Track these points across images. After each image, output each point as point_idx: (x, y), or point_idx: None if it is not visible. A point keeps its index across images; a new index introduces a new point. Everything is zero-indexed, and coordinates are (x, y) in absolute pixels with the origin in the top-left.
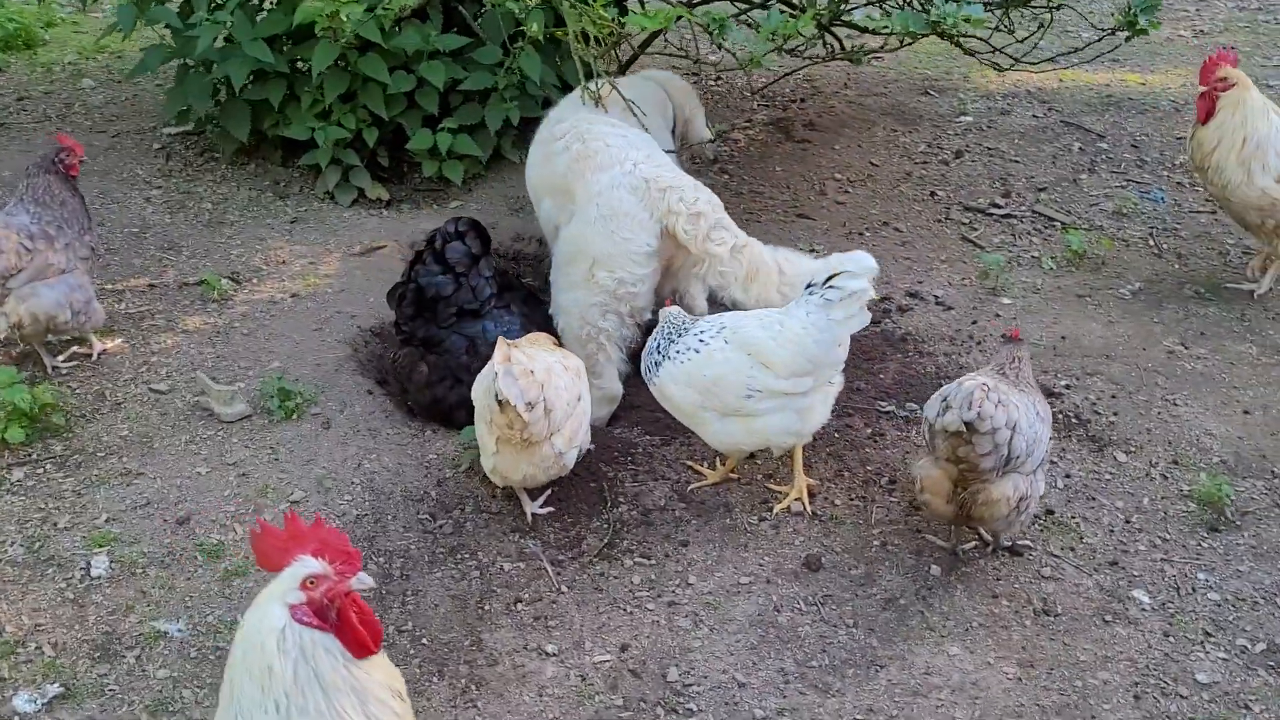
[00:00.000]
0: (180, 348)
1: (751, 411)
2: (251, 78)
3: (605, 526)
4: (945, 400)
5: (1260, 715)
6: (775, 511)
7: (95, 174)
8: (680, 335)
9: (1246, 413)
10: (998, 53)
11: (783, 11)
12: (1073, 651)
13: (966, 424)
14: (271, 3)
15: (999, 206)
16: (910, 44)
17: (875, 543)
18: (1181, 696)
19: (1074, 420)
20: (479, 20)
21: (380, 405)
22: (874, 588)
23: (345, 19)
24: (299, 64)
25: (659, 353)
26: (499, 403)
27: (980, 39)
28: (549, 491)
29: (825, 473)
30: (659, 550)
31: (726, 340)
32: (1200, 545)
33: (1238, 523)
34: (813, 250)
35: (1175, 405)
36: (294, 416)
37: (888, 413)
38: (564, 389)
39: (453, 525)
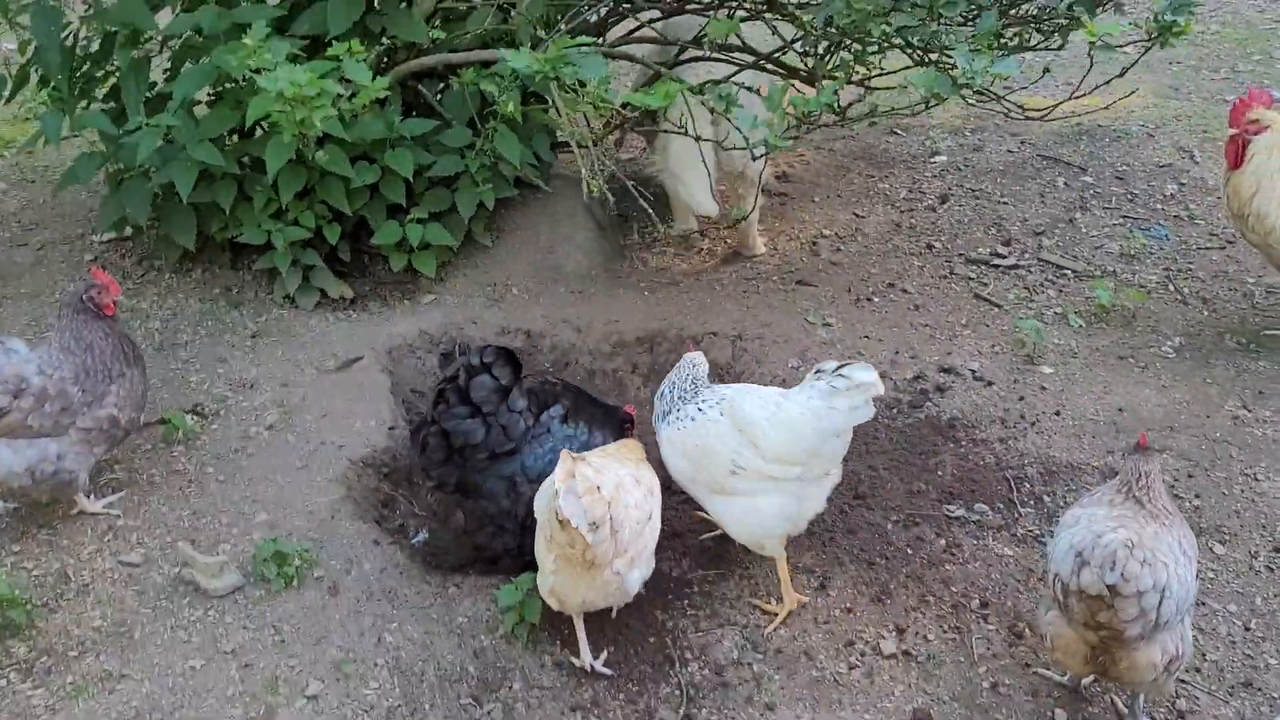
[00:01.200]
0: (149, 506)
1: (734, 490)
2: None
3: (678, 694)
4: (1080, 555)
5: None
6: (766, 633)
7: (24, 297)
8: (686, 401)
9: None
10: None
11: (776, 72)
12: None
13: (1109, 587)
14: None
15: (1002, 256)
16: (935, 105)
17: (984, 685)
18: None
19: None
20: (440, 99)
21: (390, 558)
22: None
23: (317, 123)
24: (245, 161)
25: (664, 409)
26: (559, 521)
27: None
28: (605, 654)
29: (908, 600)
30: (743, 719)
31: (721, 413)
32: None
33: None
34: (825, 324)
35: (1257, 480)
36: (294, 583)
37: (958, 518)
38: (634, 506)
39: (502, 710)
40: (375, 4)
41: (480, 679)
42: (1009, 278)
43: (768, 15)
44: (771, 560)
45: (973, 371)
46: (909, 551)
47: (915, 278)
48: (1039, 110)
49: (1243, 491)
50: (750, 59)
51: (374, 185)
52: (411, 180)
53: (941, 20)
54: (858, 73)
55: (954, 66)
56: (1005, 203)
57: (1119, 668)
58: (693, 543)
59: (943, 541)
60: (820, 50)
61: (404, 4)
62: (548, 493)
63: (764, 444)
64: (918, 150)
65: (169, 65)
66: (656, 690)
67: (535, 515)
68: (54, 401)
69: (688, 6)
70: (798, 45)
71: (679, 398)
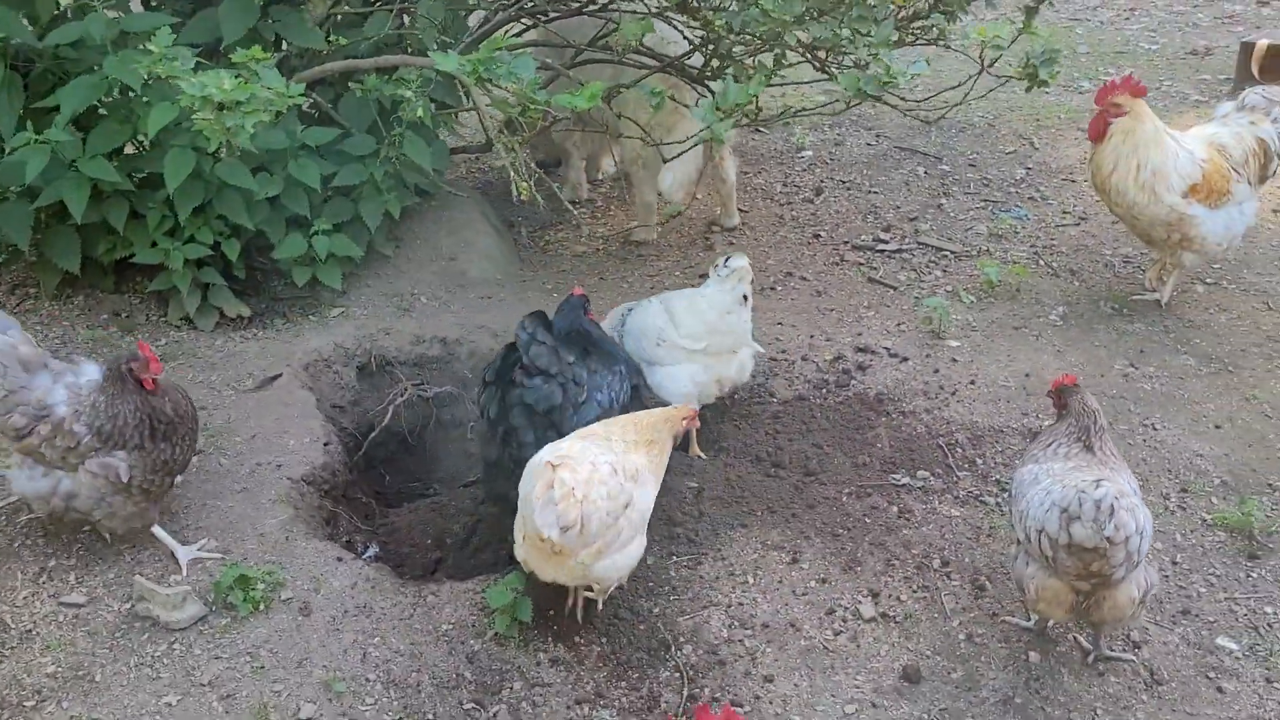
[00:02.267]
0: (82, 543)
1: (660, 360)
2: None
3: (678, 676)
4: (1067, 511)
5: None
6: None
7: None
8: (638, 306)
9: (1218, 427)
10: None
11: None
12: None
13: (1107, 539)
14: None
15: (885, 242)
16: (857, 105)
17: (960, 637)
18: None
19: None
20: (335, 107)
21: (359, 573)
22: (983, 690)
23: (248, 129)
24: (134, 177)
25: (625, 311)
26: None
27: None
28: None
29: (876, 566)
30: (746, 693)
31: (659, 303)
32: (1250, 576)
33: (1270, 545)
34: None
35: (1155, 429)
36: (262, 607)
37: (904, 486)
38: (605, 499)
39: (508, 710)
40: (267, 10)
41: (478, 683)
42: (895, 261)
43: (678, 19)
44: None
45: (887, 349)
46: (867, 521)
47: (810, 266)
48: (937, 109)
49: (1145, 441)
50: (654, 62)
51: (272, 197)
52: (315, 191)
53: (853, 30)
54: (777, 75)
55: (864, 68)
56: (876, 192)
57: (1103, 609)
58: (662, 531)
59: (895, 509)
60: (730, 54)
61: (297, 9)
62: (526, 485)
63: (679, 321)
64: (783, 147)
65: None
66: (656, 675)
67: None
68: (65, 438)
69: (587, 8)
70: (704, 49)
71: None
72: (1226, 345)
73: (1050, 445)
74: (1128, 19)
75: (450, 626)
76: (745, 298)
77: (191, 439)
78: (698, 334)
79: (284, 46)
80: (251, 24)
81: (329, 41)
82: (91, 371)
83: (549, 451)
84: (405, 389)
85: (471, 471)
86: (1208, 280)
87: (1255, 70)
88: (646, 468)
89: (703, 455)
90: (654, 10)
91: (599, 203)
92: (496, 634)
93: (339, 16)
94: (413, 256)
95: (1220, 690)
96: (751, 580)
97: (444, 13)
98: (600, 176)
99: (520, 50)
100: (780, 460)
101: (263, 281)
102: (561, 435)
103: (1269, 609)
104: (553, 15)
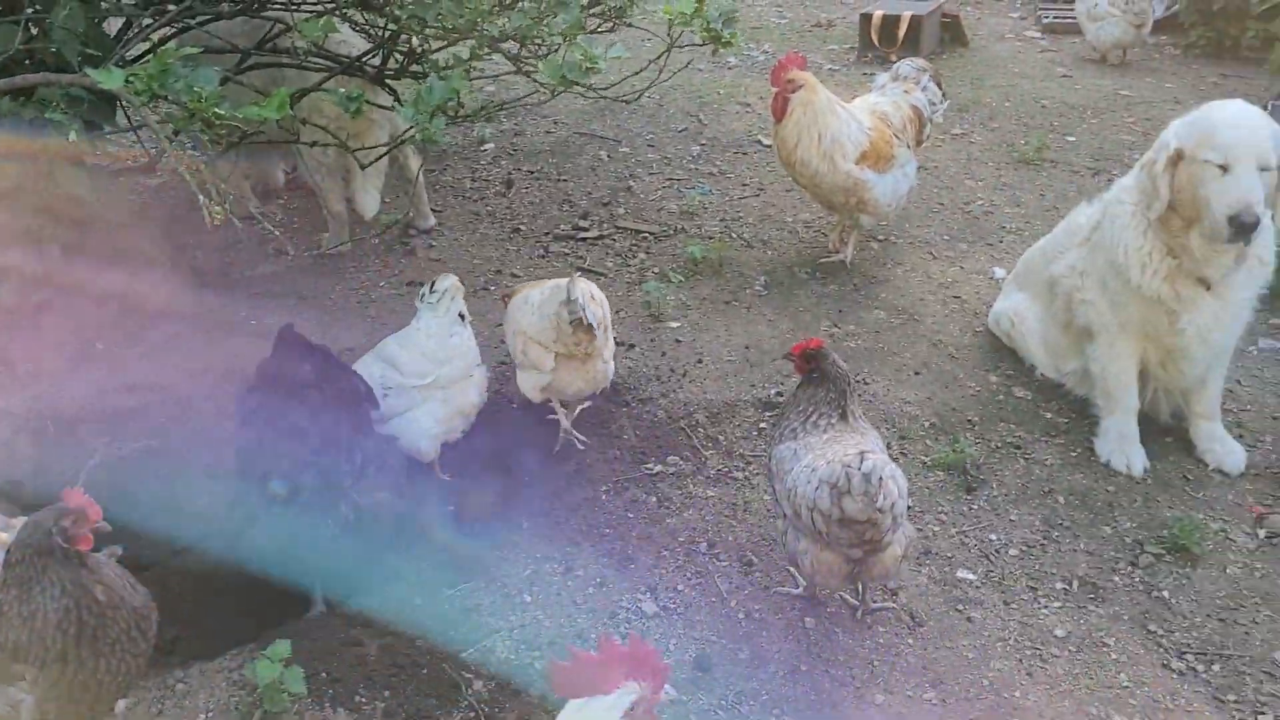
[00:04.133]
0: None
1: (395, 410)
2: None
3: (473, 715)
4: (836, 487)
5: (1116, 649)
6: None
7: None
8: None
9: (917, 373)
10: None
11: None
12: (962, 653)
13: (878, 510)
14: None
15: (585, 229)
16: (561, 93)
17: (739, 616)
18: (1056, 656)
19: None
20: None
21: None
22: (771, 665)
23: None
24: None
25: None
26: (573, 324)
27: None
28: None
29: (648, 560)
30: (548, 717)
31: (372, 356)
32: (971, 509)
33: (982, 476)
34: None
35: (867, 384)
36: None
37: (658, 474)
38: (606, 312)
39: None
40: None
41: None
42: (599, 248)
43: (361, 15)
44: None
45: (614, 338)
46: (630, 515)
47: (516, 261)
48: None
49: (860, 395)
50: (332, 65)
51: None
52: None
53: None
54: (472, 69)
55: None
56: (565, 180)
57: (873, 571)
58: (428, 560)
59: (654, 499)
60: (423, 50)
61: None
62: (552, 306)
63: (400, 363)
64: (464, 141)
65: None
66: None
67: (526, 332)
68: None
69: (253, 9)
70: (385, 47)
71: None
72: (908, 296)
73: (809, 416)
74: None
75: (210, 715)
76: (462, 316)
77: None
78: (424, 370)
79: None
80: None
81: None
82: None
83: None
84: (96, 451)
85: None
86: (879, 238)
87: (875, 38)
88: None
89: (446, 477)
90: (329, 8)
91: (279, 216)
92: (266, 713)
93: None
94: None
95: (970, 620)
96: (529, 598)
97: (85, 22)
98: (273, 188)
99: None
100: (533, 469)
101: None
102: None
103: (993, 536)
104: (208, 17)
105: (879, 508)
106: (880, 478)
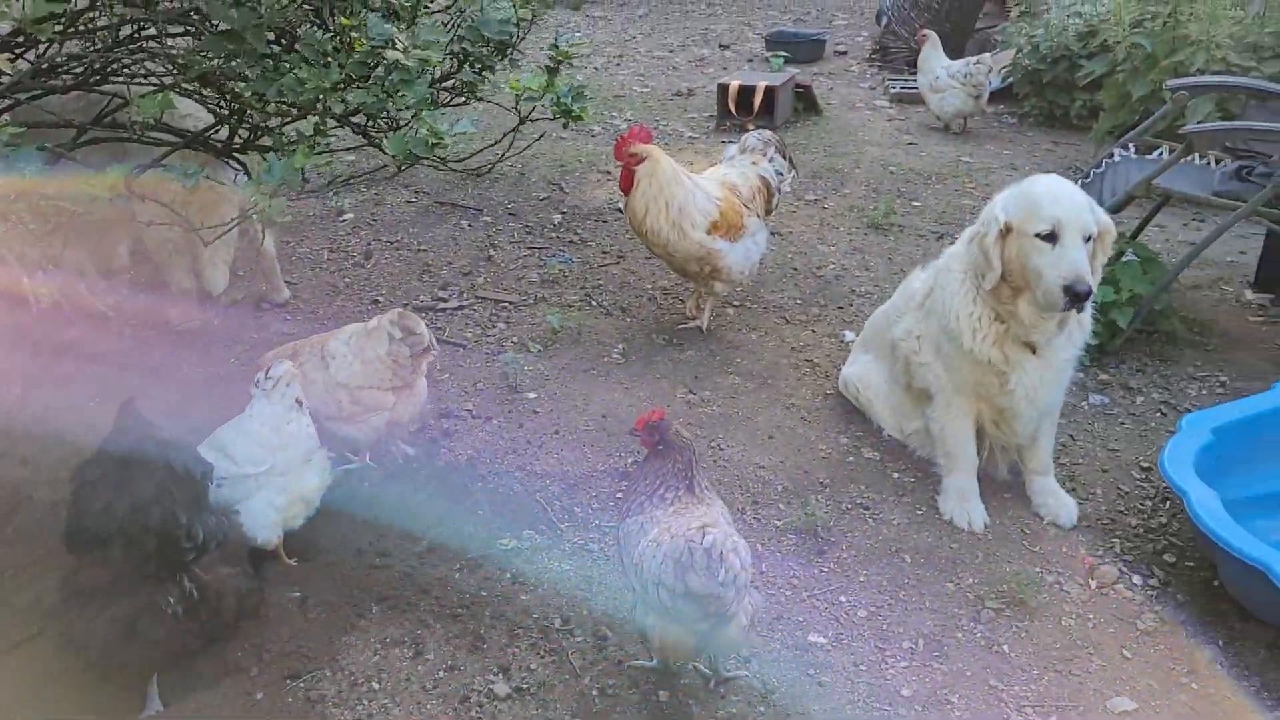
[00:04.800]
0: None
1: (231, 500)
2: None
3: None
4: (680, 562)
5: (960, 706)
6: None
7: None
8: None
9: (771, 437)
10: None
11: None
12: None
13: (720, 584)
14: None
15: (445, 300)
16: (408, 167)
17: (593, 692)
18: (903, 717)
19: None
20: None
21: None
22: None
23: None
24: None
25: None
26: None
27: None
28: None
29: (501, 640)
30: None
31: (207, 445)
32: (822, 572)
33: (832, 538)
34: None
35: (721, 449)
36: None
37: (513, 549)
38: None
39: None
40: None
41: None
42: (459, 318)
43: (201, 91)
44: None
45: (470, 411)
46: (483, 594)
47: None
48: (485, 163)
49: (715, 461)
50: (175, 139)
51: None
52: None
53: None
54: (318, 144)
55: (406, 129)
56: (425, 250)
57: (720, 643)
58: (271, 650)
59: (508, 575)
60: (266, 125)
61: None
62: (372, 350)
63: (234, 451)
64: (323, 210)
65: None
66: None
67: (349, 384)
68: None
69: (92, 83)
70: (230, 120)
71: None
72: (763, 360)
73: (655, 489)
74: (619, 65)
75: None
76: (299, 402)
77: None
78: (259, 457)
79: None
80: None
81: None
82: None
83: None
84: None
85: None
86: (735, 303)
87: (732, 108)
88: None
89: (293, 561)
90: (168, 83)
91: (124, 291)
92: None
93: None
94: None
95: (821, 684)
96: (377, 685)
97: None
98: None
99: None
100: (384, 548)
101: None
102: None
103: (843, 598)
104: (39, 92)
105: (721, 582)
106: (721, 553)
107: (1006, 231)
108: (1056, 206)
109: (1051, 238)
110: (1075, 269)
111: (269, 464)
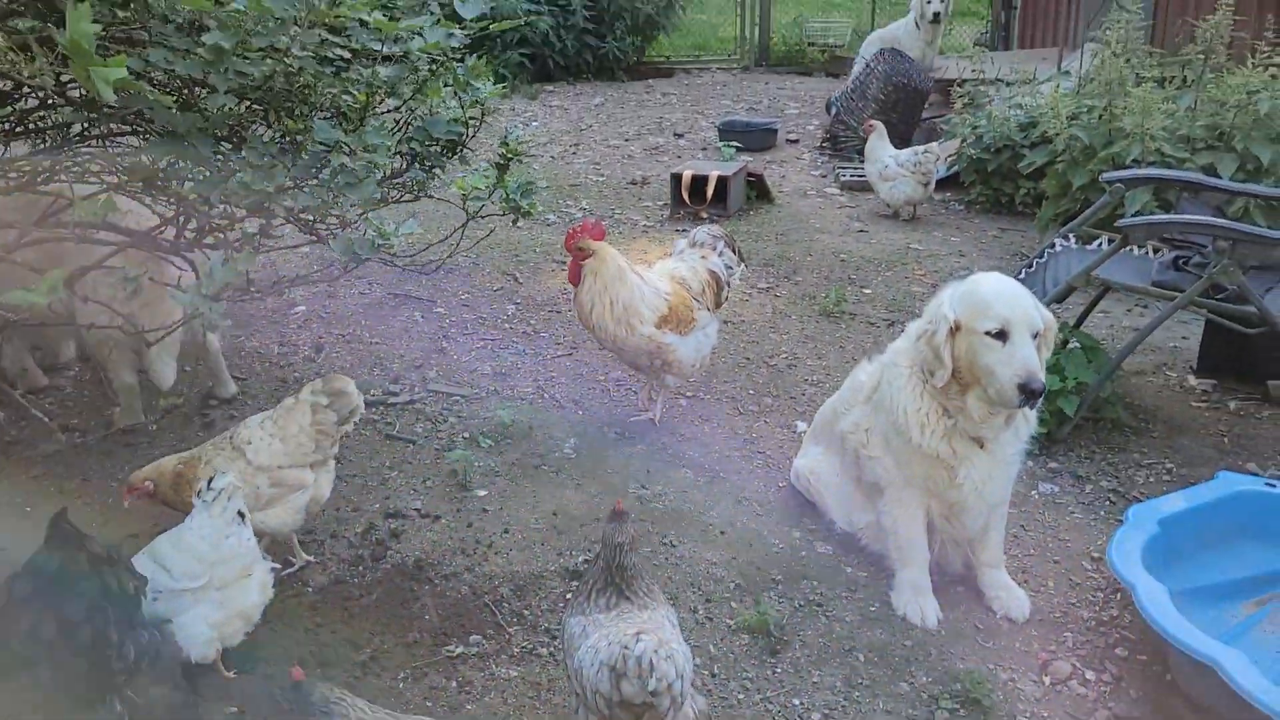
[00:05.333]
0: None
1: (166, 614)
2: None
3: None
4: (615, 670)
5: None
6: None
7: None
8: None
9: (723, 533)
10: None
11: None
12: None
13: (651, 693)
14: None
15: (396, 394)
16: (354, 268)
17: None
18: None
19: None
20: None
21: None
22: None
23: None
24: None
25: None
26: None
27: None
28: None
29: None
30: None
31: (145, 555)
32: (775, 673)
33: (785, 638)
34: None
35: (674, 546)
36: None
37: (459, 655)
38: None
39: None
40: None
41: None
42: (410, 413)
43: (146, 194)
44: None
45: (418, 510)
46: (429, 704)
47: None
48: (432, 260)
49: (667, 559)
50: (121, 237)
51: None
52: None
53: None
54: (263, 246)
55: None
56: (377, 343)
57: None
58: None
59: (454, 684)
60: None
61: None
62: (294, 424)
63: (170, 564)
64: (275, 304)
65: None
66: None
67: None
68: None
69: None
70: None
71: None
72: (714, 453)
73: (602, 590)
74: (575, 153)
75: None
76: (241, 515)
77: None
78: (195, 571)
79: None
80: None
81: None
82: None
83: None
84: None
85: None
86: (687, 394)
87: (686, 197)
88: None
89: (231, 674)
90: (111, 184)
91: (67, 390)
92: None
93: None
94: None
95: None
96: None
97: None
98: (63, 360)
99: None
100: (326, 658)
101: None
102: None
103: (796, 700)
104: None
105: (652, 690)
106: (651, 661)
107: (955, 329)
108: (1005, 305)
109: (1002, 335)
110: (1028, 366)
111: (205, 579)
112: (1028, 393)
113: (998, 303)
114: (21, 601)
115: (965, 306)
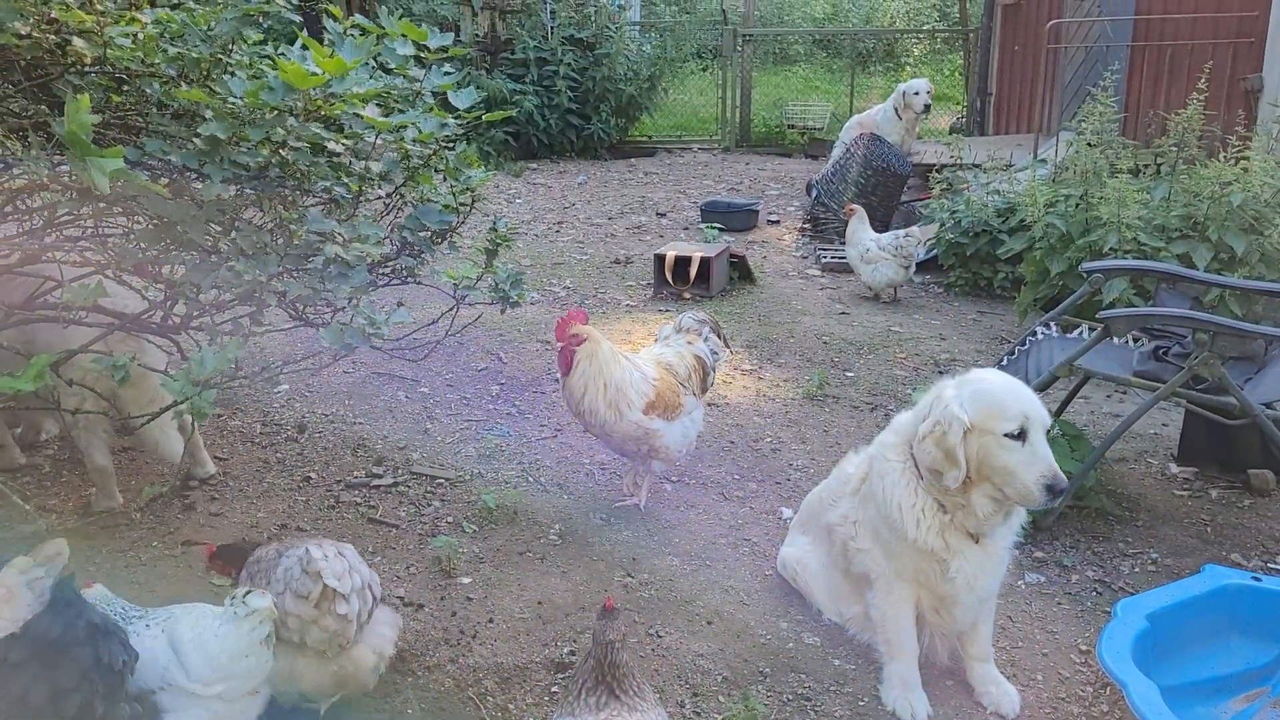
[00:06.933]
0: None
1: (166, 707)
2: None
3: None
4: None
5: None
6: None
7: None
8: (130, 620)
9: (709, 623)
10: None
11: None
12: None
13: None
14: None
15: (379, 476)
16: (345, 356)
17: None
18: None
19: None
20: None
21: None
22: None
23: None
24: None
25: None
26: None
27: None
28: None
29: None
30: None
31: (162, 629)
32: None
33: None
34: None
35: (660, 637)
36: None
37: None
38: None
39: None
40: None
41: None
42: (393, 496)
43: (136, 280)
44: None
45: (401, 598)
46: None
47: (304, 514)
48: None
49: (653, 650)
50: (110, 320)
51: None
52: None
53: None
54: (253, 333)
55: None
56: (360, 423)
57: None
58: None
59: None
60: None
61: None
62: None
63: (188, 664)
64: (258, 384)
65: None
66: None
67: None
68: None
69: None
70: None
71: (128, 614)
72: (700, 540)
73: (585, 689)
74: (558, 232)
75: None
76: (266, 641)
77: None
78: (209, 679)
79: None
80: None
81: None
82: None
83: None
84: None
85: None
86: (673, 479)
87: (669, 277)
88: None
89: None
90: (101, 267)
91: (45, 469)
92: None
93: None
94: None
95: None
96: None
97: None
98: (44, 437)
99: None
100: None
101: None
102: None
103: None
104: None
105: None
106: None
107: (968, 431)
108: (1020, 403)
109: (1021, 435)
110: (1051, 466)
111: (218, 690)
112: (1053, 492)
113: (1014, 402)
114: (17, 665)
115: (980, 408)
